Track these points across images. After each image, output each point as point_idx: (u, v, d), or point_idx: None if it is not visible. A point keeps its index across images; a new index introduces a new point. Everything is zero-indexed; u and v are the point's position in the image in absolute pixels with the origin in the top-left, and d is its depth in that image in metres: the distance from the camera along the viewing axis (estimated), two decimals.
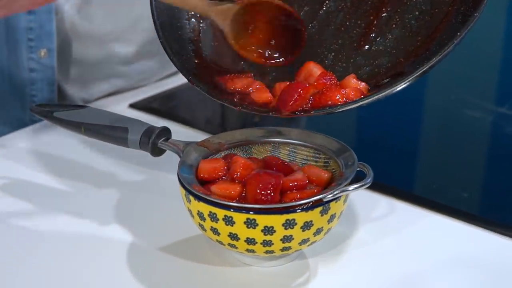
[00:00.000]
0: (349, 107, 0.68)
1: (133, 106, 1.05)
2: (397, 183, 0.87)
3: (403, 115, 1.07)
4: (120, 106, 1.05)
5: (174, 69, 1.10)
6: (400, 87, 0.68)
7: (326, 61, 0.76)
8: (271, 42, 0.75)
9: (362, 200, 0.81)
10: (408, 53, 0.73)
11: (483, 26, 1.39)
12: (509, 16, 1.47)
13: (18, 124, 1.03)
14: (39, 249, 0.75)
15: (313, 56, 0.76)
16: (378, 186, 0.83)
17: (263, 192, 0.66)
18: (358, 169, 0.71)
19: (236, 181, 0.69)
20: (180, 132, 0.97)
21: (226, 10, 0.74)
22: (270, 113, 0.70)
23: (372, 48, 0.75)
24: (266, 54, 0.75)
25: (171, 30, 0.76)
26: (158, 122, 1.00)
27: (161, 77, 1.14)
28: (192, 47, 0.77)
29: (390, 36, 0.75)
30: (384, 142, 0.99)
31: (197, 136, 0.95)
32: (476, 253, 0.76)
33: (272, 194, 0.66)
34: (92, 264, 0.73)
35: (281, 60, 0.75)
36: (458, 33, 0.67)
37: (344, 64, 0.75)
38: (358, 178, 0.69)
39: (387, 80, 0.71)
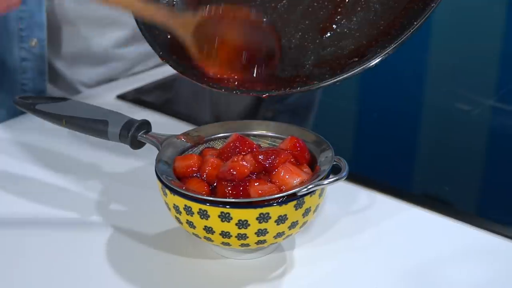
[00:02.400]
0: (304, 89, 0.70)
1: (120, 97, 1.06)
2: (388, 180, 0.87)
3: (397, 111, 1.07)
4: (108, 97, 1.05)
5: None
6: (357, 70, 0.69)
7: (293, 40, 0.76)
8: (241, 56, 0.72)
9: (343, 192, 0.81)
10: (371, 37, 0.73)
11: (481, 20, 1.40)
12: (508, 11, 1.47)
13: (8, 112, 1.04)
14: (20, 240, 0.76)
15: (282, 35, 0.76)
16: (359, 179, 0.83)
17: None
18: (335, 163, 0.71)
19: (205, 180, 0.69)
20: (166, 124, 0.98)
21: (187, 21, 0.72)
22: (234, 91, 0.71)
23: (337, 30, 0.75)
24: (235, 69, 0.72)
25: None
26: (144, 114, 1.00)
27: (159, 61, 1.14)
28: None
29: (354, 19, 0.75)
30: (377, 138, 0.99)
31: (183, 128, 0.95)
32: (457, 247, 0.76)
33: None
34: (70, 256, 0.74)
35: (253, 75, 0.73)
36: (416, 21, 0.68)
37: (310, 45, 0.76)
38: (336, 171, 0.69)
39: (350, 62, 0.72)
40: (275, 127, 0.77)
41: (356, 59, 0.71)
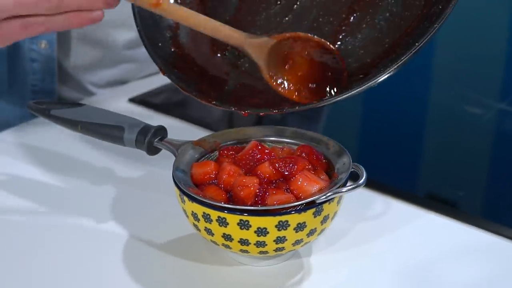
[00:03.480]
0: (307, 107, 0.70)
1: (132, 100, 1.05)
2: (394, 182, 0.87)
3: (404, 113, 1.07)
4: (120, 101, 1.05)
5: None
6: (360, 89, 0.68)
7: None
8: (310, 80, 0.73)
9: (358, 198, 0.81)
10: (375, 55, 0.73)
11: (486, 22, 1.40)
12: None
13: (19, 113, 1.04)
14: (34, 246, 0.76)
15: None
16: (374, 184, 0.83)
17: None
18: (352, 169, 0.71)
19: (222, 188, 0.69)
20: (179, 128, 0.98)
21: (262, 43, 0.72)
22: (234, 109, 0.71)
23: (342, 47, 0.75)
24: (303, 93, 0.73)
25: (149, 17, 0.75)
26: (157, 117, 1.00)
27: None
28: (170, 33, 0.77)
29: (359, 36, 0.75)
30: (385, 139, 0.99)
31: (197, 133, 0.95)
32: (474, 253, 0.75)
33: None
34: (86, 262, 0.73)
35: (316, 100, 0.72)
36: (419, 41, 0.67)
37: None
38: (353, 177, 0.69)
39: (355, 79, 0.71)
40: (291, 133, 0.77)
41: (361, 76, 0.71)
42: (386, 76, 0.67)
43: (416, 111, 1.09)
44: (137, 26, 0.74)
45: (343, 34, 0.75)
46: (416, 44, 0.67)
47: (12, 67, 1.03)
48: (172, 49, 0.75)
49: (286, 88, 0.73)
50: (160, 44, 0.75)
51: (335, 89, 0.72)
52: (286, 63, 0.74)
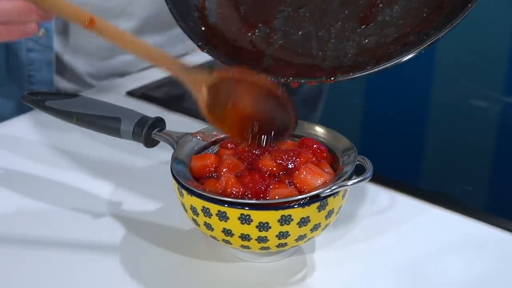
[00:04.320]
0: (356, 75, 0.67)
1: (130, 94, 1.03)
2: (399, 176, 0.84)
3: (408, 106, 1.05)
4: (117, 94, 1.03)
5: (182, 44, 1.10)
6: (406, 57, 0.66)
7: (333, 30, 0.73)
8: (252, 123, 0.67)
9: (363, 193, 0.78)
10: (415, 24, 0.71)
11: (491, 15, 1.37)
12: None
13: (17, 106, 1.02)
14: (30, 239, 0.74)
15: (320, 25, 0.74)
16: (379, 179, 0.80)
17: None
18: (358, 162, 0.68)
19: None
20: (178, 122, 0.95)
21: (201, 80, 0.67)
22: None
23: (379, 18, 0.73)
24: (246, 135, 0.68)
25: None
26: (155, 111, 0.98)
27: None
28: (198, 14, 0.76)
29: (396, 7, 0.72)
30: (389, 134, 0.97)
31: (195, 125, 0.93)
32: (479, 248, 0.73)
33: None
34: (82, 256, 0.71)
35: (263, 143, 0.67)
36: (468, 5, 0.66)
37: (350, 34, 0.73)
38: (358, 171, 0.67)
39: (395, 50, 0.69)
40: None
41: (401, 46, 0.69)
42: (431, 42, 0.66)
43: (420, 105, 1.07)
44: (167, 4, 0.73)
45: (379, 5, 0.73)
46: (469, 5, 0.66)
47: (8, 58, 1.01)
48: (203, 28, 0.73)
49: (227, 128, 0.69)
50: (191, 24, 0.73)
51: (279, 138, 0.68)
52: (228, 101, 0.68)
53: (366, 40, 0.72)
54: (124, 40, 0.69)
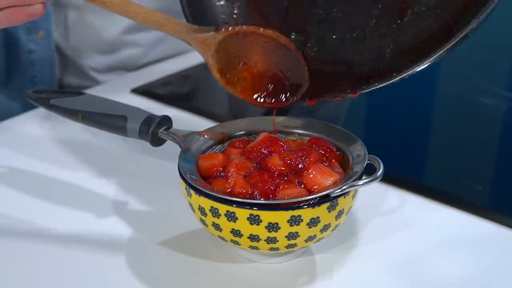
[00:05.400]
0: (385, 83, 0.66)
1: (135, 91, 1.02)
2: (408, 175, 0.83)
3: (414, 104, 1.04)
4: (122, 91, 1.02)
5: None
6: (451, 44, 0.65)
7: (368, 30, 0.71)
8: (267, 80, 0.66)
9: (371, 192, 0.77)
10: (454, 12, 0.67)
11: (498, 11, 1.36)
12: None
13: (22, 106, 1.01)
14: (34, 239, 0.73)
15: (354, 25, 0.71)
16: (388, 178, 0.79)
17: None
18: (368, 162, 0.67)
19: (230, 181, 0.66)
20: (184, 120, 0.94)
21: (208, 39, 0.65)
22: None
23: (415, 9, 0.69)
24: (260, 94, 0.67)
25: (202, 12, 0.72)
26: (161, 108, 0.97)
27: (173, 47, 1.11)
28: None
29: None
30: (395, 132, 0.96)
31: (200, 123, 0.92)
32: (488, 247, 0.72)
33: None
34: (89, 257, 0.70)
35: (279, 101, 0.67)
36: None
37: (386, 31, 0.70)
38: (368, 171, 0.66)
39: (434, 43, 0.66)
40: (304, 124, 0.73)
41: (440, 39, 0.66)
42: (474, 29, 0.65)
43: (426, 103, 1.06)
44: (188, 20, 0.71)
45: None
46: None
47: (10, 60, 1.01)
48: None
49: (241, 89, 0.68)
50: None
51: (295, 94, 0.67)
52: (239, 61, 0.68)
53: (405, 36, 0.69)
54: (126, 8, 0.66)
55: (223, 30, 0.66)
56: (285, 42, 0.66)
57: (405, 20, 0.69)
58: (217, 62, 0.66)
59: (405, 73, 0.65)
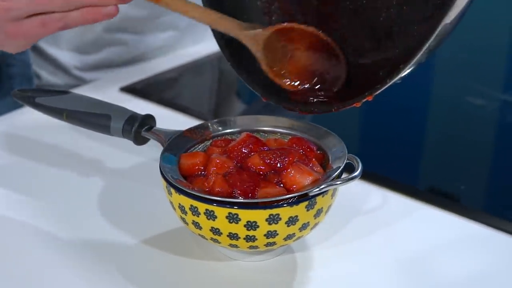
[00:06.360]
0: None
1: (124, 89, 1.03)
2: (395, 175, 0.84)
3: (405, 104, 1.04)
4: (110, 89, 1.02)
5: (179, 41, 1.10)
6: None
7: (392, 10, 0.70)
8: (312, 71, 0.71)
9: (355, 191, 0.78)
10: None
11: (489, 12, 1.36)
12: None
13: (7, 105, 1.01)
14: (21, 237, 0.73)
15: (379, 11, 0.71)
16: (372, 177, 0.80)
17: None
18: (348, 161, 0.67)
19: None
20: (171, 118, 0.95)
21: (256, 35, 0.70)
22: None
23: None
24: (304, 86, 0.71)
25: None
26: (149, 107, 0.97)
27: (157, 45, 1.12)
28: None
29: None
30: (384, 131, 0.96)
31: (188, 122, 0.92)
32: (474, 247, 0.73)
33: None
34: (71, 255, 0.71)
35: (321, 93, 0.71)
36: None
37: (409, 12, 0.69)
38: (350, 169, 0.66)
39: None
40: (285, 123, 0.74)
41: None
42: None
43: (418, 103, 1.07)
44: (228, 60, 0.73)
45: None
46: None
47: None
48: (262, 77, 0.73)
49: (288, 81, 0.72)
50: (250, 69, 0.73)
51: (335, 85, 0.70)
52: (285, 55, 0.72)
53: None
54: (186, 8, 0.70)
55: (269, 27, 0.71)
56: (325, 38, 0.71)
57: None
58: (265, 56, 0.71)
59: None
